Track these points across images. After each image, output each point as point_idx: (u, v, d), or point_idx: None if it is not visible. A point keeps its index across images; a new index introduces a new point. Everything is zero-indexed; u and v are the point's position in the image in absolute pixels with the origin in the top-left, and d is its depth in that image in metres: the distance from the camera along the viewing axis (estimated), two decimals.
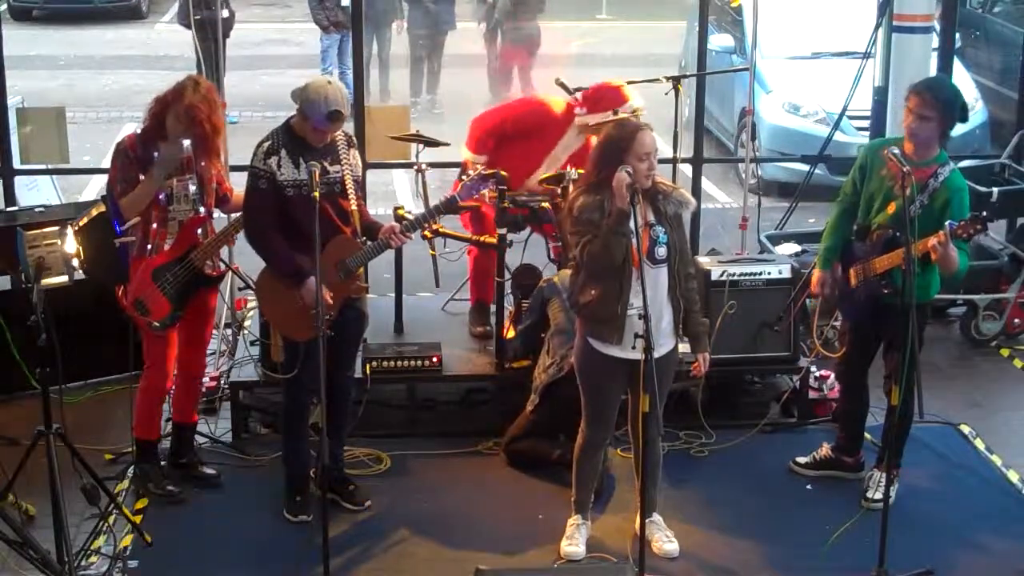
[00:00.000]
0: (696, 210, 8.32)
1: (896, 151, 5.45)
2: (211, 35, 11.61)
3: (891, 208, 5.71)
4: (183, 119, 5.69)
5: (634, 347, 5.23)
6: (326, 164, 5.58)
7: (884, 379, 6.05)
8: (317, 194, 5.32)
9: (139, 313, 5.79)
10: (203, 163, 5.92)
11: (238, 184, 6.18)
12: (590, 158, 5.48)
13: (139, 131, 5.85)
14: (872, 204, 5.85)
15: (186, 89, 5.71)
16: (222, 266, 6.12)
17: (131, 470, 6.22)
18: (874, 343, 6.07)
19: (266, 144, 5.60)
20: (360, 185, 5.80)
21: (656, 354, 5.17)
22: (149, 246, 5.81)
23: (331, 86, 5.56)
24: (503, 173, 6.56)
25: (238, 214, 5.96)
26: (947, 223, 5.45)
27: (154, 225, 5.79)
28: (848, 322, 6.22)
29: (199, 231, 5.89)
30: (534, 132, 6.87)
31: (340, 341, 5.76)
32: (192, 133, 5.72)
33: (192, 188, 5.86)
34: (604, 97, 6.76)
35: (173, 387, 6.19)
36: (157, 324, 5.82)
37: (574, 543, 5.66)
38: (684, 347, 6.71)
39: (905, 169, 5.29)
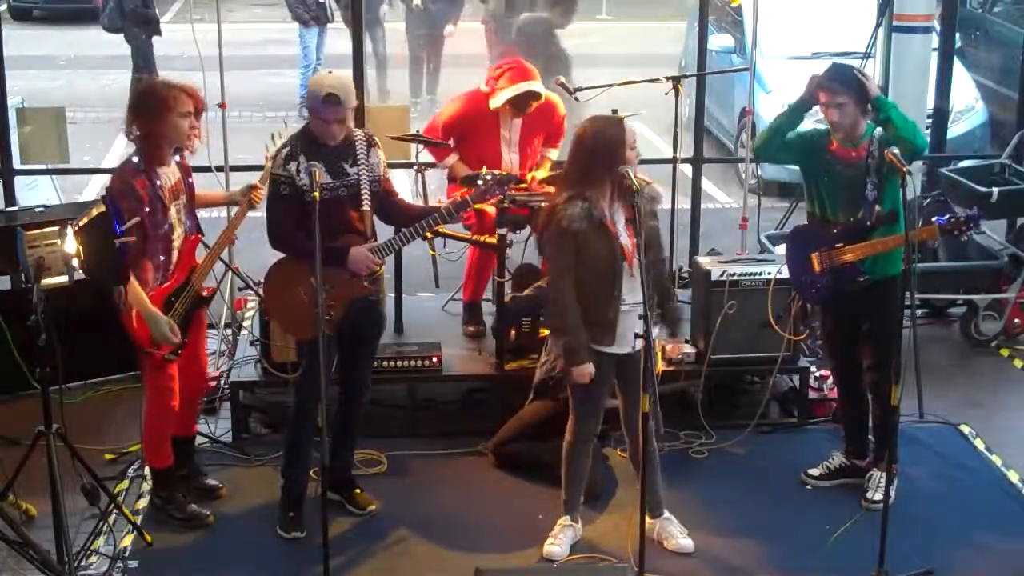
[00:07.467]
0: (696, 210, 8.41)
1: (896, 151, 5.47)
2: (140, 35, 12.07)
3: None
4: (180, 132, 5.57)
5: (634, 346, 5.29)
6: (345, 166, 5.56)
7: (865, 370, 6.05)
8: (317, 195, 5.32)
9: (155, 347, 5.65)
10: (190, 179, 5.82)
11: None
12: (573, 159, 5.41)
13: (136, 161, 5.58)
14: (819, 189, 5.93)
15: (177, 98, 5.51)
16: (213, 284, 6.02)
17: (149, 494, 6.07)
18: (850, 332, 6.08)
19: (284, 150, 5.55)
20: (380, 183, 5.67)
21: (630, 350, 5.37)
22: (157, 276, 5.62)
23: (330, 75, 5.58)
24: (520, 178, 6.65)
25: (223, 229, 5.90)
26: (935, 219, 5.58)
27: (161, 257, 5.62)
28: (822, 315, 6.26)
29: (196, 252, 5.80)
30: (478, 125, 7.03)
31: (358, 340, 5.79)
32: (187, 142, 5.64)
33: (184, 209, 5.75)
34: (512, 73, 6.92)
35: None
36: (171, 355, 5.71)
37: (557, 543, 5.64)
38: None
39: (905, 169, 5.32)
